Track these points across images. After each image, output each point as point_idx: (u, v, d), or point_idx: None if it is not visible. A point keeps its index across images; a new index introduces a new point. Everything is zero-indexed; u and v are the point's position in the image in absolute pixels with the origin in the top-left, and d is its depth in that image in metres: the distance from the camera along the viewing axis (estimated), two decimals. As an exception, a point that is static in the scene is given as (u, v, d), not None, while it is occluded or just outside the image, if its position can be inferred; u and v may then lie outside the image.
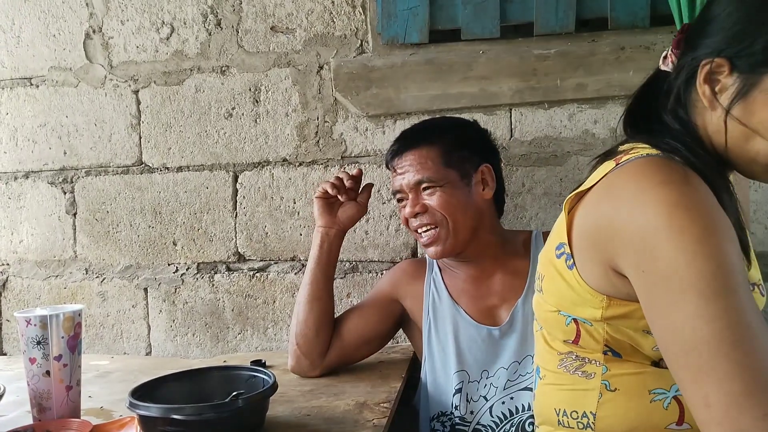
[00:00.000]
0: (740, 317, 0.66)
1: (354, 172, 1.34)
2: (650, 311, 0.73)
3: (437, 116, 1.48)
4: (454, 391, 1.21)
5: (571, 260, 0.84)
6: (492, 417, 1.19)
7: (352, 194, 1.35)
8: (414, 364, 1.39)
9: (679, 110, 0.84)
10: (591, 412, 0.87)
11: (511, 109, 1.49)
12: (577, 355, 0.90)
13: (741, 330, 0.66)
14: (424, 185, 1.22)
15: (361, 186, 1.36)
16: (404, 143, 1.27)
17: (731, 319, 0.66)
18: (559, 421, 0.90)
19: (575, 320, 0.87)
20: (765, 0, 0.77)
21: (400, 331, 1.40)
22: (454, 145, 1.23)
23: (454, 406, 1.21)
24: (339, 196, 1.32)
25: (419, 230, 1.25)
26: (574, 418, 0.89)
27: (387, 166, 1.33)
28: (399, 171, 1.26)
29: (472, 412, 1.20)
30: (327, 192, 1.31)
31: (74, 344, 1.08)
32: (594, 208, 0.81)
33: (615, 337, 0.83)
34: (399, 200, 1.29)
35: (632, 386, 0.84)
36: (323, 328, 1.28)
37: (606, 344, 0.85)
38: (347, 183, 1.32)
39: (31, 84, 1.71)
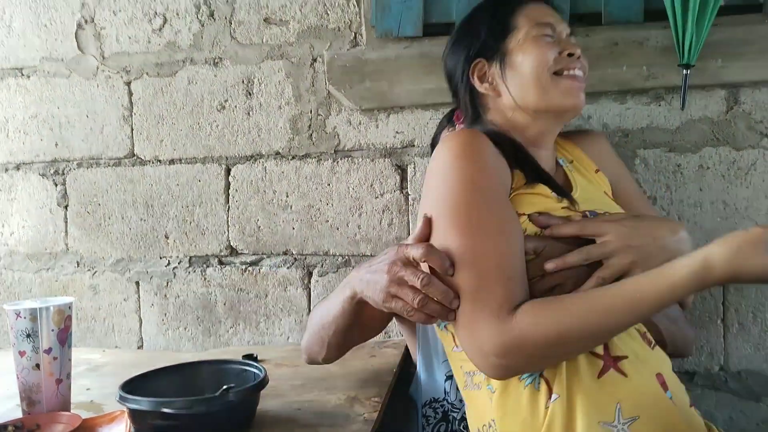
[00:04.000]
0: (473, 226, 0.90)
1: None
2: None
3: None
4: (445, 377, 1.22)
5: None
6: None
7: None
8: (407, 359, 1.39)
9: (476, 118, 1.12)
10: (492, 420, 0.94)
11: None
12: (467, 372, 0.99)
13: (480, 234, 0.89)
14: None
15: None
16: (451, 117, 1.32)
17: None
18: None
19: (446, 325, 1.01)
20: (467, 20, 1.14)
21: (393, 325, 1.39)
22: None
23: (445, 392, 1.22)
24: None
25: None
26: (489, 430, 0.95)
27: (435, 142, 1.35)
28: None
29: (461, 400, 1.21)
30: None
31: (64, 337, 1.07)
32: None
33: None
34: None
35: (507, 381, 0.91)
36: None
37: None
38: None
39: (23, 74, 1.70)
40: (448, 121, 1.32)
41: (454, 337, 1.00)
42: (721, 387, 1.43)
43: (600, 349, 0.89)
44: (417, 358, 1.29)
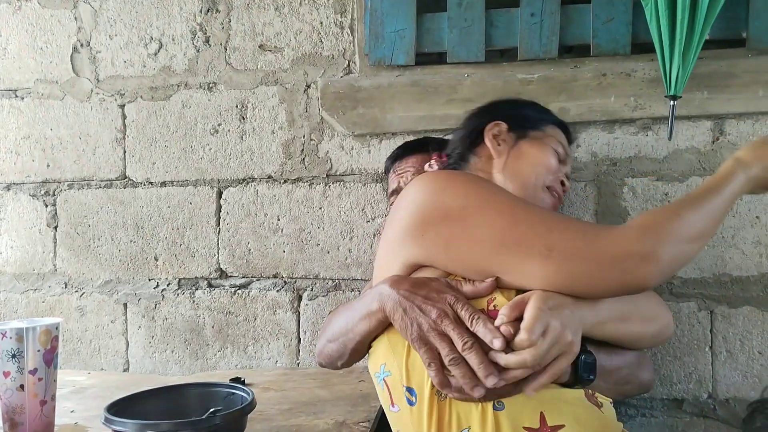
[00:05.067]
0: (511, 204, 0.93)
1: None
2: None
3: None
4: None
5: None
6: None
7: None
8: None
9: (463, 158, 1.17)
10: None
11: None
12: None
13: (528, 204, 0.95)
14: None
15: None
16: (406, 149, 1.39)
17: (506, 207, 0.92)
18: None
19: None
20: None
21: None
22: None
23: None
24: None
25: None
26: None
27: (386, 172, 1.42)
28: (398, 171, 1.35)
29: None
30: None
31: (50, 358, 1.06)
32: None
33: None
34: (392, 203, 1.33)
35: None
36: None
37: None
38: None
39: (16, 96, 1.71)
40: (402, 152, 1.39)
41: (390, 394, 0.96)
42: (710, 414, 1.43)
43: (536, 422, 0.86)
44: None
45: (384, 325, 0.96)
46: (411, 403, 0.91)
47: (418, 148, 1.37)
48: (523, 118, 1.16)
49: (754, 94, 1.39)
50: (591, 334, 0.92)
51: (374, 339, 1.01)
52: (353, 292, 1.57)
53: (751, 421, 0.64)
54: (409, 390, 0.91)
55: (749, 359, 1.42)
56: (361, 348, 1.04)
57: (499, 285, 0.90)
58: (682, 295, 1.44)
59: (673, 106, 1.34)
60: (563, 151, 1.15)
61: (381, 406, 1.22)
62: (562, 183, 1.15)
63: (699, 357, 1.43)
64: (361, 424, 1.12)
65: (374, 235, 1.56)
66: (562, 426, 0.86)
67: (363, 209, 1.56)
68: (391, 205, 1.38)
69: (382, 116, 1.52)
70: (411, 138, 1.52)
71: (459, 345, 0.84)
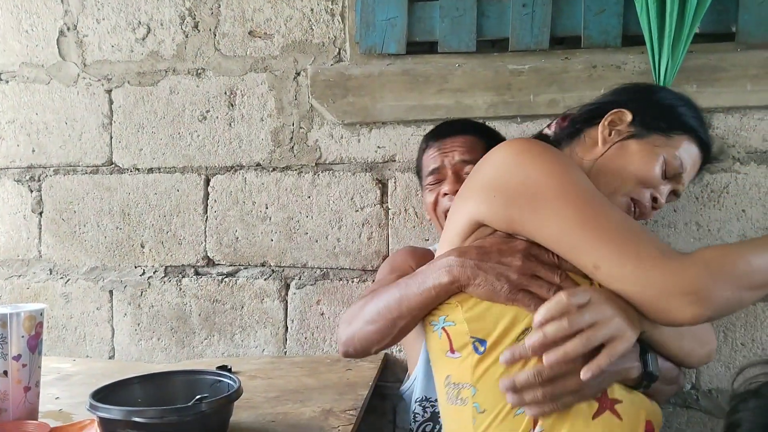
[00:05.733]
0: (593, 200, 0.87)
1: None
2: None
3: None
4: None
5: None
6: None
7: None
8: (383, 373, 1.38)
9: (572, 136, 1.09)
10: None
11: (485, 122, 1.51)
12: (455, 383, 0.95)
13: (598, 206, 0.87)
14: (467, 168, 1.25)
15: None
16: (452, 127, 1.34)
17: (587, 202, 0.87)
18: None
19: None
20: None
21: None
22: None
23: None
24: None
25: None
26: None
27: (425, 146, 1.36)
28: (443, 149, 1.30)
29: None
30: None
31: (35, 344, 1.05)
32: None
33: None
34: (432, 182, 1.30)
35: (497, 402, 0.88)
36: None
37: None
38: None
39: (1, 79, 1.68)
40: (447, 129, 1.35)
41: (451, 341, 0.95)
42: (693, 405, 1.44)
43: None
44: (420, 357, 1.28)
45: (448, 296, 0.96)
46: (478, 352, 0.92)
47: (463, 129, 1.33)
48: (655, 116, 1.03)
49: (743, 88, 1.40)
50: (649, 340, 0.91)
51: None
52: (341, 281, 1.57)
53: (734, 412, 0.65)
54: (480, 341, 0.92)
55: (732, 351, 1.43)
56: (412, 325, 1.02)
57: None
58: (668, 287, 1.45)
59: (662, 99, 1.34)
60: (679, 166, 1.02)
61: (368, 393, 1.23)
62: (655, 199, 1.02)
63: (683, 348, 1.44)
64: (348, 412, 1.12)
65: (363, 225, 1.56)
66: (621, 401, 0.88)
67: (352, 198, 1.56)
68: (431, 184, 1.31)
69: (372, 105, 1.51)
70: (401, 128, 1.52)
71: (555, 279, 0.88)
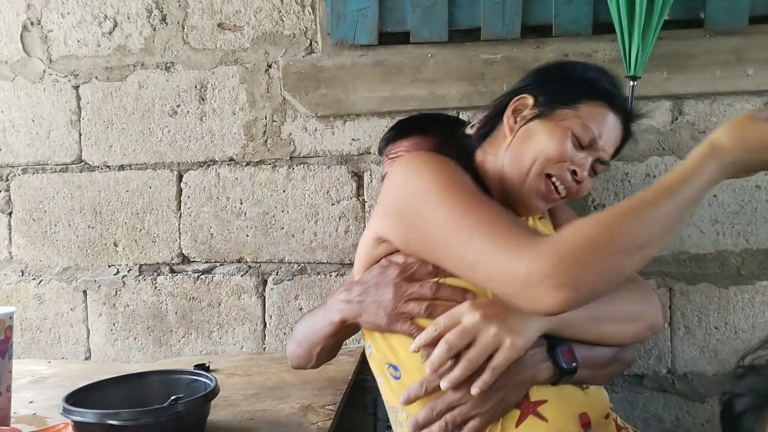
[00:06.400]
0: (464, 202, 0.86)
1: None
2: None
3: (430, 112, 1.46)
4: None
5: None
6: None
7: None
8: (362, 367, 1.38)
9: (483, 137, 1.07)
10: None
11: (459, 113, 1.51)
12: (392, 407, 0.99)
13: (475, 206, 0.86)
14: None
15: None
16: (399, 131, 1.32)
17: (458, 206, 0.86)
18: None
19: None
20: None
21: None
22: (444, 140, 1.22)
23: None
24: None
25: None
26: None
27: (380, 153, 1.38)
28: (390, 156, 1.30)
29: None
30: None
31: (4, 348, 1.03)
32: None
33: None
34: None
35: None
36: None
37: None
38: None
39: (-37, 77, 1.64)
40: (396, 134, 1.32)
41: (375, 367, 1.02)
42: (669, 389, 1.47)
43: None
44: None
45: (349, 331, 1.03)
46: (395, 377, 0.96)
47: (412, 129, 1.30)
48: (556, 90, 0.99)
49: (712, 75, 1.41)
50: (560, 334, 0.90)
51: (338, 344, 1.10)
52: (319, 276, 1.56)
53: (730, 408, 0.64)
54: (393, 366, 0.95)
55: (706, 334, 1.46)
56: (331, 350, 1.11)
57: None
58: (642, 273, 1.46)
59: (633, 86, 1.35)
60: (591, 134, 0.96)
61: (347, 388, 1.23)
62: (574, 172, 0.96)
63: (659, 333, 1.46)
64: (327, 407, 1.12)
65: (339, 218, 1.55)
66: (545, 401, 0.88)
67: (328, 192, 1.55)
68: None
69: (345, 97, 1.50)
70: (375, 119, 1.51)
71: (428, 293, 0.91)
